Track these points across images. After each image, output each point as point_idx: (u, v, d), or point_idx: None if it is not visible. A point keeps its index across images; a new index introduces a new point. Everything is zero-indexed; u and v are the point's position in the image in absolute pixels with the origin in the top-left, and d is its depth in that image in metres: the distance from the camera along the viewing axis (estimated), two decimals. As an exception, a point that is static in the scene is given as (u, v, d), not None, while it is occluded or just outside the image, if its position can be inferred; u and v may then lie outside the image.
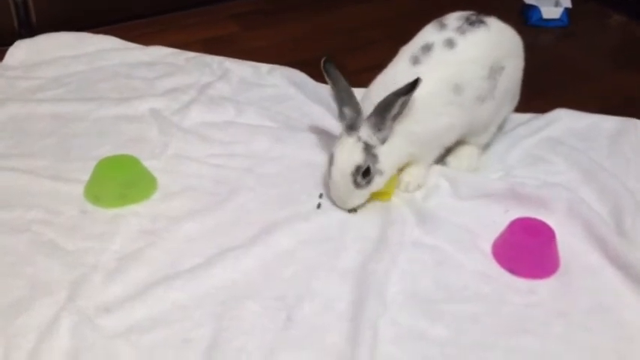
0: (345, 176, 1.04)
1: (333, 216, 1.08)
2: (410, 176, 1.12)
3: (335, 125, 1.26)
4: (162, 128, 1.27)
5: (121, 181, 1.09)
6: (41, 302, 0.91)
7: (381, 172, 1.05)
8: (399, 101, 1.00)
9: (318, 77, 1.39)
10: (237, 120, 1.30)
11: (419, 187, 1.13)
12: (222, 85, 1.40)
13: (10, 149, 1.21)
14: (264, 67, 1.48)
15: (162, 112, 1.31)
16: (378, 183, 1.06)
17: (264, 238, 1.02)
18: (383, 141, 1.04)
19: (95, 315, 0.90)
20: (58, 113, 1.31)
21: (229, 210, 1.08)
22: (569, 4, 1.71)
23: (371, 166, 1.03)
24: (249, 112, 1.32)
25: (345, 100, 1.05)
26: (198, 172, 1.17)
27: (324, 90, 1.37)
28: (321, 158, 1.19)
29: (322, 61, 1.07)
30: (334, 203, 1.09)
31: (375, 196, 1.10)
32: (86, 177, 1.11)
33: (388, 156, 1.05)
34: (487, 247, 1.03)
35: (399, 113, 1.02)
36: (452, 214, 1.09)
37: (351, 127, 1.04)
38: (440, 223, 1.07)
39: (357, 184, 1.04)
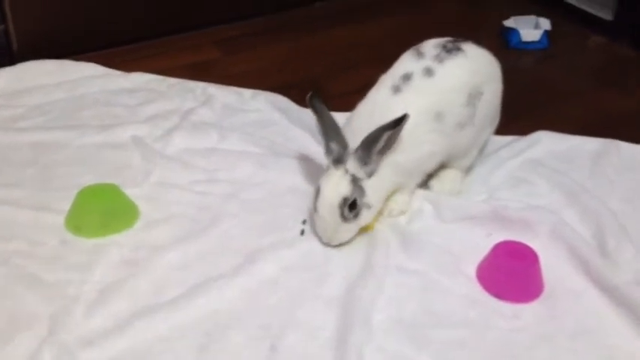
0: (333, 209, 1.02)
1: (317, 242, 1.07)
2: (394, 202, 1.12)
3: (319, 150, 1.25)
4: (144, 155, 1.26)
5: (102, 210, 1.08)
6: (22, 336, 0.90)
7: (368, 206, 1.04)
8: (385, 136, 1.00)
9: (302, 101, 1.39)
10: (221, 146, 1.30)
11: (402, 212, 1.13)
12: (205, 111, 1.40)
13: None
14: (248, 92, 1.48)
15: (144, 140, 1.31)
16: (366, 217, 1.05)
17: (247, 266, 1.01)
18: (370, 175, 1.04)
19: (77, 348, 0.88)
20: (40, 142, 1.30)
21: (212, 237, 1.08)
22: (548, 27, 1.73)
23: (358, 199, 1.03)
24: (232, 138, 1.32)
25: (331, 136, 1.05)
26: (181, 200, 1.16)
27: (308, 115, 1.36)
28: (305, 184, 1.19)
29: (308, 97, 1.06)
30: (320, 240, 1.07)
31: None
32: (67, 206, 1.10)
33: (375, 189, 1.05)
34: (471, 270, 1.03)
35: (386, 147, 1.02)
36: (436, 237, 1.09)
37: (338, 161, 1.03)
38: (424, 247, 1.07)
39: (344, 218, 1.03)
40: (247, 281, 0.99)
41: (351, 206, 1.02)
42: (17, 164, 1.24)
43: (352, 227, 1.05)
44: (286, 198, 1.17)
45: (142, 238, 1.07)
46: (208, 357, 0.88)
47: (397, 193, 1.12)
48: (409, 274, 1.02)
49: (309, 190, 1.17)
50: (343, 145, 1.04)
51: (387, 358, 0.89)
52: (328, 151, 1.05)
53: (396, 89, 1.08)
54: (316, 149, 1.27)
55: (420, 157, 1.09)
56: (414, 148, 1.06)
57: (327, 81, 1.44)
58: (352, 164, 1.03)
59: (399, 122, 0.99)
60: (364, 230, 1.09)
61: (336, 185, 1.02)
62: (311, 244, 1.07)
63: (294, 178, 1.21)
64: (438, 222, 1.12)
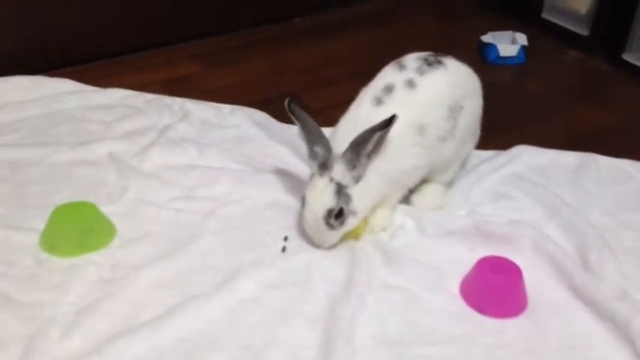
0: (318, 219, 1.02)
1: (299, 259, 1.06)
2: (375, 218, 1.11)
3: (299, 165, 1.25)
4: (121, 172, 1.24)
5: (77, 228, 1.06)
6: (-6, 360, 0.87)
7: (354, 213, 1.04)
8: (375, 137, 1.00)
9: (281, 117, 1.39)
10: (199, 162, 1.28)
11: (383, 229, 1.12)
12: (182, 127, 1.38)
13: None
14: (226, 107, 1.47)
15: (120, 156, 1.28)
16: (351, 223, 1.05)
17: (228, 285, 0.99)
18: (357, 179, 1.03)
19: (52, 372, 0.86)
20: (13, 159, 1.27)
21: (191, 256, 1.06)
22: (525, 42, 1.74)
23: (344, 207, 1.02)
24: (211, 154, 1.30)
25: (315, 140, 1.04)
26: (159, 217, 1.14)
27: (287, 130, 1.36)
28: (285, 199, 1.18)
29: (286, 102, 1.05)
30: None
31: (346, 235, 1.09)
32: (42, 225, 1.07)
33: (362, 196, 1.04)
34: (455, 286, 1.02)
35: (375, 150, 1.02)
36: (418, 253, 1.08)
37: (324, 166, 1.02)
38: (407, 263, 1.06)
39: (330, 226, 1.03)
40: (228, 300, 0.97)
41: (337, 216, 1.02)
42: (-13, 183, 1.21)
43: (338, 233, 1.05)
44: (266, 214, 1.15)
45: (119, 257, 1.05)
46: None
47: (378, 208, 1.11)
48: (392, 291, 1.01)
49: (290, 205, 1.16)
50: (328, 148, 1.03)
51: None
52: (313, 155, 1.04)
53: (379, 101, 1.07)
54: (296, 164, 1.26)
55: (404, 168, 1.08)
56: (398, 158, 1.06)
57: (307, 96, 1.43)
58: (338, 170, 1.02)
59: (389, 123, 0.99)
60: (352, 237, 1.08)
61: (321, 196, 1.02)
62: (292, 261, 1.05)
63: (274, 194, 1.20)
64: (420, 237, 1.11)
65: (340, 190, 1.02)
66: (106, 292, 0.98)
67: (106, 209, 1.12)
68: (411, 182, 1.13)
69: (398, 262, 1.06)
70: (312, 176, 1.04)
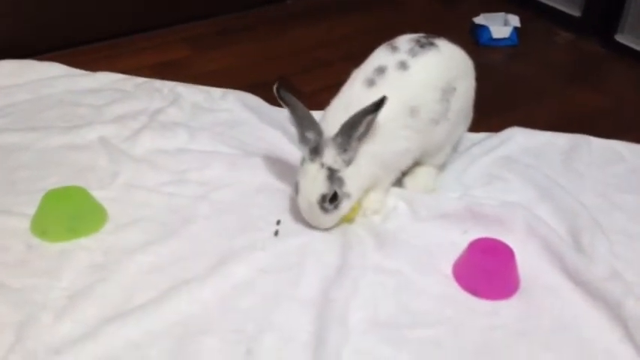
0: (312, 205, 1.03)
1: (292, 243, 1.05)
2: (367, 201, 1.11)
3: (291, 149, 1.24)
4: (111, 157, 1.23)
5: (68, 213, 1.05)
6: (-14, 345, 0.86)
7: (348, 195, 1.04)
8: (366, 120, 0.99)
9: (273, 100, 1.38)
10: (190, 146, 1.27)
11: (376, 212, 1.11)
12: (173, 111, 1.37)
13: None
14: (217, 91, 1.46)
15: (111, 140, 1.27)
16: (346, 206, 1.05)
17: (220, 269, 0.99)
18: (348, 162, 1.03)
19: (45, 357, 0.85)
20: (2, 144, 1.26)
21: (183, 240, 1.05)
22: (517, 23, 1.74)
23: (338, 190, 1.02)
24: (202, 138, 1.29)
25: (305, 124, 1.03)
26: (150, 202, 1.13)
27: (279, 113, 1.35)
28: (277, 183, 1.17)
29: (275, 87, 1.04)
30: (307, 224, 1.08)
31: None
32: (32, 210, 1.06)
33: (354, 178, 1.04)
34: (448, 268, 1.02)
35: (365, 133, 1.01)
36: (411, 236, 1.08)
37: (315, 151, 1.02)
38: (399, 246, 1.06)
39: (325, 210, 1.03)
40: (220, 284, 0.97)
41: (331, 199, 1.02)
42: (-23, 167, 1.20)
43: (334, 216, 1.06)
44: (258, 198, 1.15)
45: (110, 242, 1.04)
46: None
47: (371, 191, 1.11)
48: (385, 274, 1.01)
49: (282, 189, 1.16)
50: (318, 132, 1.03)
51: (364, 358, 0.87)
52: (304, 140, 1.03)
53: (371, 82, 1.06)
54: (288, 148, 1.26)
55: (396, 151, 1.08)
56: (389, 140, 1.06)
57: (299, 79, 1.43)
58: (329, 154, 1.01)
59: (379, 106, 0.98)
60: (346, 220, 1.08)
61: (313, 182, 1.01)
62: (285, 244, 1.05)
63: (265, 178, 1.19)
64: (412, 220, 1.11)
65: (332, 175, 1.02)
66: (98, 277, 0.97)
67: (97, 194, 1.11)
68: (403, 165, 1.12)
69: (391, 245, 1.06)
70: (303, 161, 1.04)
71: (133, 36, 1.69)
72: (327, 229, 1.07)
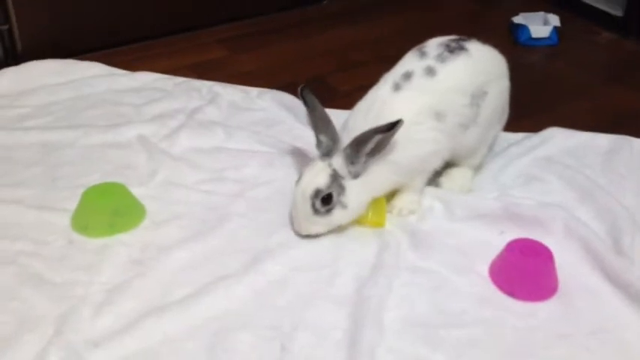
0: (305, 198, 1.01)
1: (327, 241, 1.06)
2: (402, 202, 1.11)
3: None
4: (150, 155, 1.25)
5: (109, 209, 1.07)
6: (28, 338, 0.89)
7: (344, 206, 1.02)
8: (376, 138, 0.98)
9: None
10: (227, 145, 1.29)
11: (412, 212, 1.11)
12: (211, 110, 1.39)
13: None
14: (254, 90, 1.47)
15: (150, 139, 1.29)
16: (339, 217, 1.03)
17: (255, 266, 1.00)
18: (355, 175, 1.02)
19: (84, 350, 0.87)
20: (45, 141, 1.29)
21: (220, 237, 1.06)
22: (557, 23, 1.71)
23: (334, 195, 1.01)
24: (239, 137, 1.30)
25: (321, 128, 1.04)
26: (188, 199, 1.14)
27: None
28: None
29: (300, 89, 1.05)
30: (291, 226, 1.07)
31: (367, 224, 1.08)
32: (73, 206, 1.09)
33: (358, 192, 1.02)
34: (484, 269, 1.01)
35: (377, 150, 1.00)
36: (447, 236, 1.07)
37: (327, 155, 1.03)
38: (435, 246, 1.05)
39: (315, 210, 1.01)
40: (256, 281, 0.98)
41: (324, 200, 1.01)
42: (23, 164, 1.23)
43: (323, 222, 1.03)
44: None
45: (149, 238, 1.06)
46: (217, 358, 0.86)
47: (405, 192, 1.11)
48: (420, 274, 1.00)
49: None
50: (333, 138, 1.03)
51: (398, 357, 0.87)
52: (318, 143, 1.04)
53: (396, 87, 1.06)
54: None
55: (422, 155, 1.07)
56: (413, 146, 1.04)
57: (334, 79, 1.43)
58: (338, 160, 1.02)
59: (393, 127, 0.97)
60: (375, 225, 1.08)
61: (314, 176, 1.02)
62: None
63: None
64: (448, 220, 1.10)
65: (336, 178, 1.01)
66: (137, 273, 0.99)
67: (136, 191, 1.13)
68: (431, 167, 1.11)
69: (426, 245, 1.05)
70: (313, 159, 1.05)
71: (171, 37, 1.71)
72: (310, 236, 1.05)
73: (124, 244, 1.05)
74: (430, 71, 1.06)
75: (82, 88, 1.47)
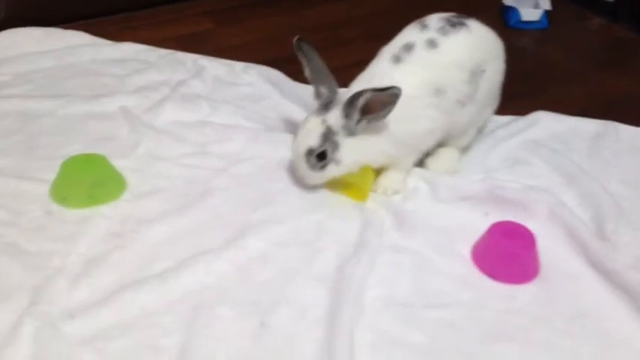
0: (299, 156, 1.03)
1: (310, 218, 1.04)
2: (388, 180, 1.10)
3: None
4: (133, 127, 1.23)
5: (88, 181, 1.05)
6: (2, 307, 0.87)
7: (337, 162, 1.03)
8: (367, 95, 0.97)
9: (295, 75, 1.37)
10: (211, 119, 1.27)
11: (396, 192, 1.10)
12: (196, 83, 1.36)
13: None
14: (240, 65, 1.45)
15: (133, 110, 1.27)
16: (332, 171, 1.04)
17: (237, 242, 0.98)
18: (350, 133, 1.02)
19: (59, 321, 0.86)
20: (25, 110, 1.26)
21: (202, 211, 1.05)
22: (548, 6, 1.70)
23: (328, 152, 1.01)
24: (223, 111, 1.28)
25: (320, 78, 1.04)
26: (170, 173, 1.12)
27: (302, 89, 1.34)
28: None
29: (295, 40, 1.05)
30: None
31: (349, 194, 1.08)
32: (52, 176, 1.07)
33: (352, 150, 1.02)
34: (466, 251, 1.01)
35: (369, 111, 0.99)
36: (431, 217, 1.07)
37: (324, 107, 1.02)
38: (418, 227, 1.04)
39: (310, 165, 1.03)
40: (237, 257, 0.97)
41: (319, 156, 1.02)
42: (1, 132, 1.20)
43: (318, 176, 1.05)
44: (277, 173, 1.14)
45: (129, 211, 1.04)
46: (196, 332, 0.85)
47: (391, 170, 1.10)
48: (403, 253, 1.00)
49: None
50: (332, 90, 1.03)
51: (378, 337, 0.87)
52: (317, 95, 1.04)
53: (397, 59, 1.05)
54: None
55: (417, 132, 1.06)
56: (410, 121, 1.04)
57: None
58: (334, 114, 1.01)
59: (388, 90, 0.96)
60: (355, 197, 1.07)
61: (307, 134, 1.02)
62: (303, 220, 1.04)
63: (285, 153, 1.17)
64: (433, 201, 1.10)
65: (329, 135, 1.01)
66: (116, 245, 0.98)
67: (117, 163, 1.11)
68: (424, 146, 1.10)
69: (410, 225, 1.04)
70: (310, 112, 1.04)
71: (157, 8, 1.68)
72: (310, 186, 1.07)
73: (104, 216, 1.03)
74: (432, 44, 1.05)
75: (64, 58, 1.44)
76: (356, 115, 1.00)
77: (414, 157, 1.11)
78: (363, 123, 1.01)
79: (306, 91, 1.31)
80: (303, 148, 1.02)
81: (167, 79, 1.37)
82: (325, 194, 1.09)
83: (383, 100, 0.98)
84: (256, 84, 1.39)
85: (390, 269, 0.97)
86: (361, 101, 0.98)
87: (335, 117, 1.01)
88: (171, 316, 0.88)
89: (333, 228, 1.03)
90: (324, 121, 1.01)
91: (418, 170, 1.14)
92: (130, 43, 1.50)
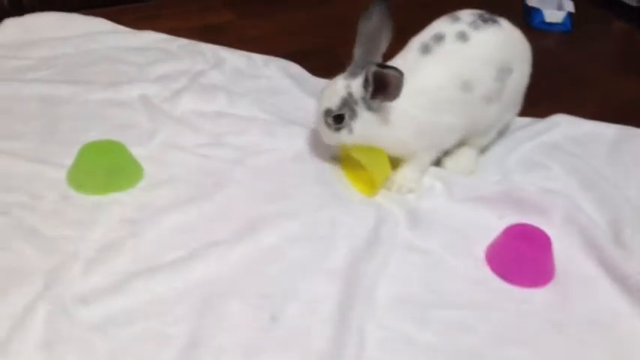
0: (319, 112, 1.05)
1: (324, 214, 1.04)
2: (403, 178, 1.09)
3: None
4: (151, 115, 1.23)
5: (105, 167, 1.05)
6: (16, 290, 0.87)
7: (351, 130, 1.03)
8: (371, 68, 0.97)
9: (315, 70, 1.37)
10: (229, 110, 1.27)
11: (411, 191, 1.09)
12: (215, 74, 1.36)
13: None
14: (260, 57, 1.44)
15: (152, 99, 1.27)
16: (344, 137, 1.04)
17: (250, 234, 0.98)
18: (368, 107, 1.02)
19: (72, 305, 0.86)
20: (45, 95, 1.27)
21: (216, 202, 1.05)
22: (572, 9, 1.68)
23: (346, 116, 1.02)
24: (241, 103, 1.28)
25: (363, 42, 1.03)
26: (186, 162, 1.13)
27: (321, 84, 1.33)
28: (313, 153, 1.16)
29: None
30: None
31: (357, 186, 1.08)
32: (70, 161, 1.07)
33: (368, 124, 1.03)
34: (481, 252, 1.00)
35: (379, 90, 0.98)
36: (445, 217, 1.06)
37: (353, 74, 1.02)
38: (433, 226, 1.04)
39: (326, 124, 1.04)
40: (249, 249, 0.97)
41: (336, 119, 1.03)
42: (21, 116, 1.21)
43: (333, 137, 1.06)
44: (293, 166, 1.14)
45: (144, 199, 1.04)
46: (205, 322, 0.86)
47: (407, 167, 1.09)
48: (416, 253, 0.99)
49: (318, 159, 1.15)
50: (366, 59, 1.02)
51: (388, 335, 0.87)
52: (356, 57, 1.04)
53: (426, 49, 1.04)
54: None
55: (439, 125, 1.05)
56: (433, 110, 1.03)
57: (344, 50, 1.40)
58: (357, 84, 1.01)
59: (390, 69, 0.96)
60: (363, 189, 1.08)
61: (330, 94, 1.03)
62: (317, 215, 1.04)
63: (302, 147, 1.18)
64: (448, 201, 1.09)
65: (349, 101, 1.02)
66: (129, 232, 0.98)
67: (135, 151, 1.11)
68: (445, 143, 1.10)
69: (424, 224, 1.04)
70: (341, 75, 1.04)
71: (177, -2, 1.68)
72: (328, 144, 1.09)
73: (119, 203, 1.03)
74: (462, 36, 1.04)
75: (85, 44, 1.44)
76: (370, 89, 1.00)
77: (432, 155, 1.10)
78: (378, 101, 1.01)
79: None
80: (323, 106, 1.04)
81: (186, 69, 1.37)
82: (340, 190, 1.09)
83: (386, 80, 0.97)
84: (275, 77, 1.39)
85: (402, 268, 0.96)
86: (368, 74, 0.98)
87: (357, 86, 1.01)
88: (182, 304, 0.88)
89: (347, 224, 1.03)
90: (347, 87, 1.02)
91: (434, 169, 1.13)
92: (150, 32, 1.50)
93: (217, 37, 1.51)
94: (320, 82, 1.35)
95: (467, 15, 1.08)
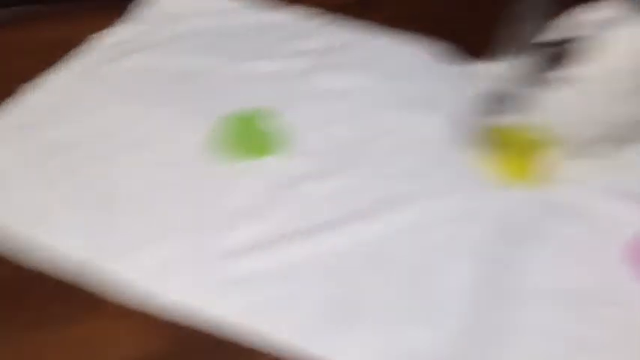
0: (478, 95, 1.07)
1: (464, 193, 1.03)
2: (553, 165, 1.05)
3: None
4: (288, 90, 1.25)
5: (246, 135, 1.08)
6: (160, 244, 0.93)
7: (517, 111, 1.00)
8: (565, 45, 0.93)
9: (460, 54, 1.33)
10: (365, 89, 1.26)
11: (556, 179, 1.05)
12: (353, 54, 1.36)
13: (134, 97, 1.21)
14: (398, 37, 1.43)
15: (287, 75, 1.29)
16: (506, 119, 1.03)
17: (390, 209, 0.99)
18: (539, 87, 0.98)
19: (219, 261, 0.91)
20: (183, 69, 1.31)
21: (356, 176, 1.05)
22: None
23: (509, 98, 1.00)
24: (378, 83, 1.27)
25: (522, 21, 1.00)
26: (324, 135, 1.14)
27: (466, 68, 1.30)
28: (455, 134, 1.14)
29: None
30: None
31: (506, 170, 1.06)
32: (210, 129, 1.11)
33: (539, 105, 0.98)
34: (621, 250, 0.95)
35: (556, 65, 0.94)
36: (586, 209, 1.01)
37: (515, 52, 1.01)
38: (572, 219, 1.00)
39: (487, 105, 1.05)
40: (388, 224, 0.97)
41: (498, 99, 1.02)
42: (161, 85, 1.25)
43: (494, 119, 1.05)
44: (431, 145, 1.12)
45: (283, 168, 1.06)
46: (346, 291, 0.88)
47: (558, 156, 1.05)
48: (553, 245, 0.96)
49: (459, 140, 1.13)
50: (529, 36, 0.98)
51: (536, 328, 0.85)
52: (513, 34, 1.01)
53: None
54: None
55: (616, 113, 1.00)
56: (615, 97, 0.97)
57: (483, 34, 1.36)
58: (525, 62, 0.99)
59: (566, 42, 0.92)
60: (514, 176, 1.05)
61: (491, 76, 1.04)
62: (455, 195, 1.02)
63: (440, 129, 1.16)
64: (590, 194, 1.04)
65: (514, 81, 1.00)
66: (268, 200, 1.00)
67: (274, 122, 1.13)
68: (613, 136, 1.04)
69: (565, 215, 1.00)
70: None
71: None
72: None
73: (259, 171, 1.06)
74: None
75: (224, 19, 1.47)
76: (551, 66, 0.96)
77: (584, 145, 1.05)
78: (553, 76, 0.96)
79: (469, 71, 1.27)
80: (484, 87, 1.02)
81: (325, 47, 1.38)
82: (482, 172, 1.07)
83: (571, 56, 0.93)
84: (413, 59, 1.37)
85: (552, 259, 0.94)
86: (555, 51, 0.95)
87: (524, 65, 0.98)
88: (322, 273, 0.90)
89: (495, 207, 1.01)
90: (512, 67, 0.99)
91: (579, 160, 1.08)
92: (290, 8, 1.52)
93: (354, 16, 1.50)
94: (451, 68, 1.32)
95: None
